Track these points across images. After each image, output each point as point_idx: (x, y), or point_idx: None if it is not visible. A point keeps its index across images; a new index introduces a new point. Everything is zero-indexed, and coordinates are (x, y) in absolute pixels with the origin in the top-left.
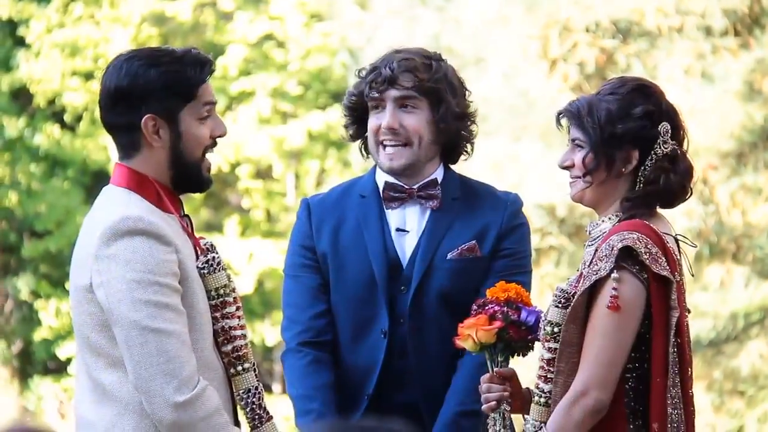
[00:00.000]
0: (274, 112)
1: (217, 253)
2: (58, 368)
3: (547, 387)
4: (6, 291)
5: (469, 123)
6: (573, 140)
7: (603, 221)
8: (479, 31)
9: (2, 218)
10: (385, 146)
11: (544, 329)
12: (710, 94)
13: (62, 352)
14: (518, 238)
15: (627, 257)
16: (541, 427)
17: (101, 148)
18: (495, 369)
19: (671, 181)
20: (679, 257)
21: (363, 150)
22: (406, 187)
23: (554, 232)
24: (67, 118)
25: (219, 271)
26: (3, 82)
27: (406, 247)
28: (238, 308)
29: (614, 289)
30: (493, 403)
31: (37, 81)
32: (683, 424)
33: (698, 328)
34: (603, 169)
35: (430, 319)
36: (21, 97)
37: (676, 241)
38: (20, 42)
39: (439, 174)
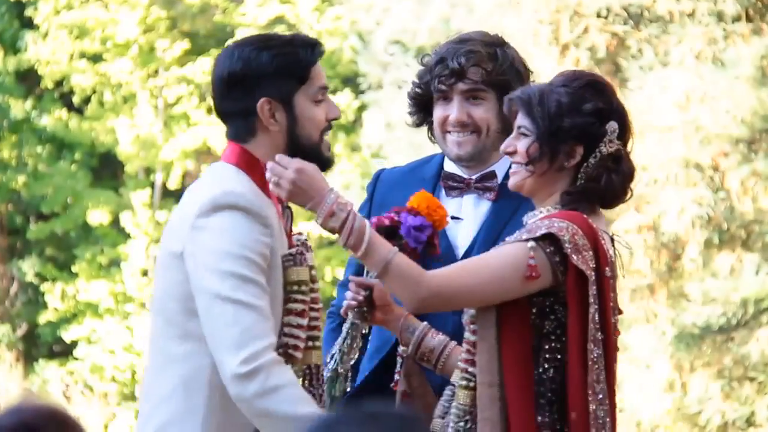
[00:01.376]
0: None
1: (309, 251)
2: (63, 351)
3: (472, 369)
4: (11, 274)
5: None
6: (519, 127)
7: (541, 212)
8: (490, 15)
9: (8, 200)
10: (452, 134)
11: (467, 312)
12: (722, 80)
13: (68, 335)
14: None
15: (547, 240)
16: (471, 411)
17: (109, 130)
18: (356, 278)
19: (612, 181)
20: (613, 257)
21: (431, 136)
22: (465, 177)
23: None
24: (74, 100)
25: (301, 265)
26: (10, 63)
27: (459, 236)
28: (311, 309)
29: (531, 258)
30: (344, 308)
31: (44, 63)
32: (609, 422)
33: (708, 314)
34: (546, 160)
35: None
36: (28, 78)
37: (612, 241)
38: (28, 23)
39: (500, 166)
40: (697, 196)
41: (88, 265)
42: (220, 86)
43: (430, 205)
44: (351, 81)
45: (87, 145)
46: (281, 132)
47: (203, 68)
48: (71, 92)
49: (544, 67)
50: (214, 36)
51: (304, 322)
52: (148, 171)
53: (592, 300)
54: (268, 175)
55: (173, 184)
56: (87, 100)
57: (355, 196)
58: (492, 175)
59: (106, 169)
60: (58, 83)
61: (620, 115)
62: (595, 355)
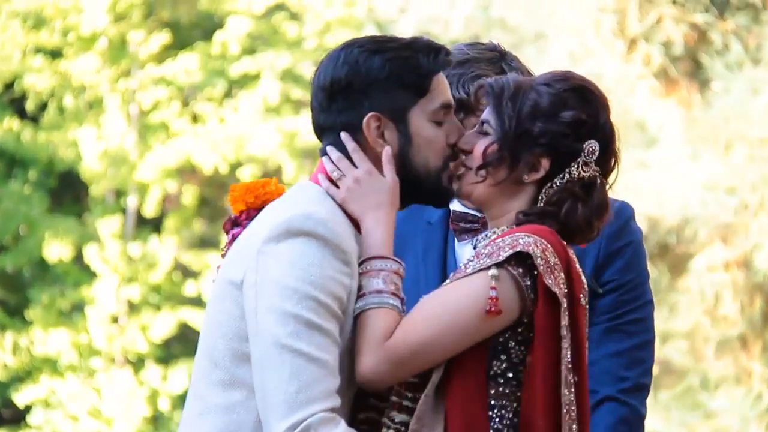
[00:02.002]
0: (284, 100)
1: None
2: (14, 417)
3: (399, 417)
4: None
5: None
6: (482, 122)
7: (494, 232)
8: (540, 1)
9: None
10: None
11: None
12: None
13: (21, 397)
14: (624, 265)
15: (513, 260)
16: None
17: (70, 143)
18: None
19: (575, 212)
20: (586, 290)
21: None
22: (479, 215)
23: None
24: (28, 106)
25: None
26: None
27: None
28: None
29: (493, 288)
30: None
31: None
32: None
33: None
34: (504, 167)
35: None
36: None
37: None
38: None
39: None
40: None
41: (45, 310)
42: (320, 97)
43: (252, 193)
44: None
45: (43, 162)
46: (393, 154)
47: (186, 66)
48: (24, 96)
49: (608, 66)
50: (199, 26)
51: None
52: (119, 194)
53: (565, 333)
54: (330, 166)
55: (150, 211)
56: (43, 106)
57: None
58: None
59: (67, 192)
60: (8, 85)
61: (605, 136)
62: (567, 401)
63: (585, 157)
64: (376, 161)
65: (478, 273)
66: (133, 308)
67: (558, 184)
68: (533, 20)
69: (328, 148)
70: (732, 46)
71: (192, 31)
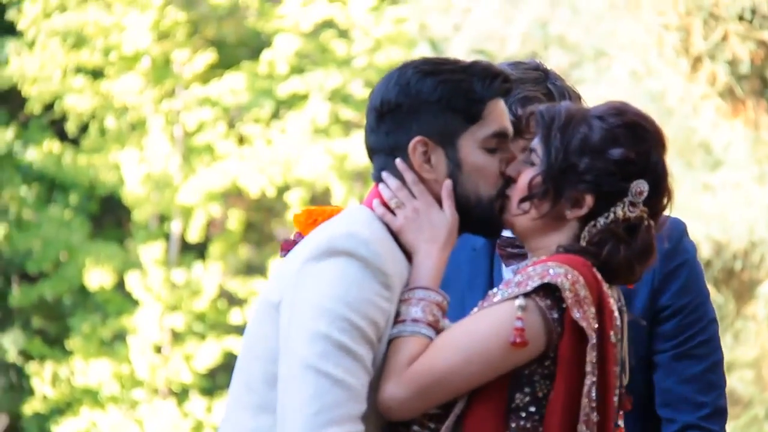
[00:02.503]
0: (333, 121)
1: None
2: None
3: None
4: None
5: None
6: (531, 150)
7: (534, 261)
8: (600, 18)
9: None
10: None
11: None
12: None
13: (60, 430)
14: (681, 287)
15: (542, 291)
16: None
17: (112, 166)
18: None
19: (617, 254)
20: (620, 324)
21: None
22: None
23: None
24: (69, 128)
25: None
26: None
27: None
28: None
29: (519, 319)
30: None
31: (30, 80)
32: None
33: None
34: (548, 200)
35: None
36: (10, 100)
37: (620, 312)
38: (9, 29)
39: None
40: None
41: (85, 339)
42: (371, 117)
43: (313, 217)
44: None
45: (84, 186)
46: (437, 181)
47: (232, 86)
48: (64, 118)
49: (671, 84)
50: (245, 45)
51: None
52: (162, 219)
53: (590, 369)
54: (387, 194)
55: (194, 236)
56: (84, 128)
57: None
58: None
59: (109, 217)
60: (48, 106)
61: (656, 175)
62: None
63: (632, 197)
64: (425, 186)
65: (505, 302)
66: (176, 337)
67: (602, 223)
68: (593, 38)
69: (384, 175)
70: None
71: (238, 50)
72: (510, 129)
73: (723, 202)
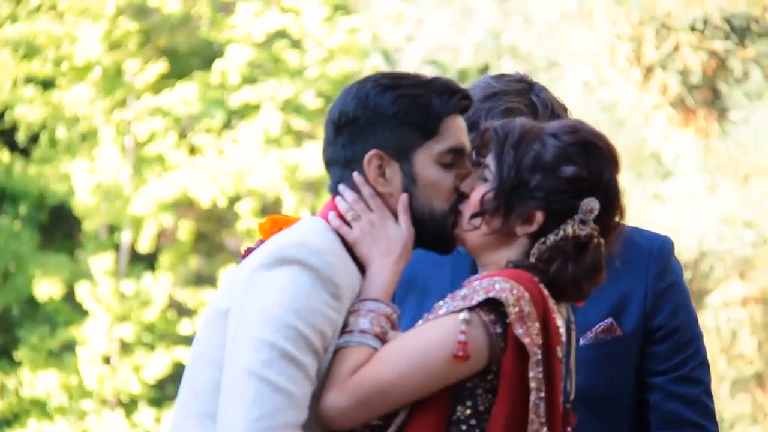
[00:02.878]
0: (285, 131)
1: None
2: None
3: None
4: None
5: None
6: (486, 167)
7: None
8: (553, 28)
9: None
10: None
11: None
12: None
13: None
14: (673, 309)
15: (486, 306)
16: None
17: (62, 176)
18: None
19: (565, 271)
20: (566, 341)
21: None
22: None
23: None
24: (19, 138)
25: None
26: None
27: None
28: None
29: (463, 333)
30: None
31: None
32: None
33: None
34: (499, 216)
35: None
36: None
37: (568, 329)
38: None
39: None
40: None
41: (34, 350)
42: (329, 129)
43: (278, 226)
44: None
45: (34, 196)
46: (394, 194)
47: (184, 96)
48: (14, 128)
49: (623, 94)
50: (197, 55)
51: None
52: (113, 229)
53: (535, 385)
54: (344, 206)
55: (144, 247)
56: (35, 138)
57: None
58: None
59: (59, 227)
60: None
61: (607, 194)
62: None
63: (582, 215)
64: (381, 199)
65: (449, 315)
66: (125, 348)
67: (551, 240)
68: (546, 48)
69: (341, 188)
70: (752, 75)
71: (190, 60)
72: (467, 145)
73: (673, 212)
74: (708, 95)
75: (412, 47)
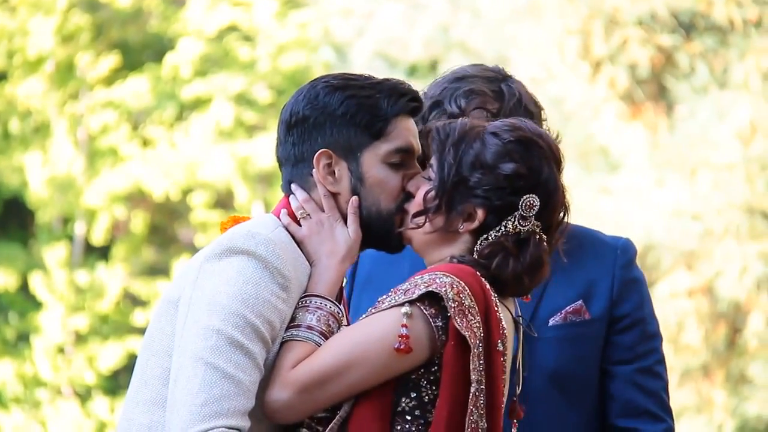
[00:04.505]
0: (237, 124)
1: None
2: None
3: None
4: None
5: None
6: (429, 166)
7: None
8: (502, 23)
9: None
10: None
11: None
12: None
13: None
14: (639, 300)
15: (427, 299)
16: None
17: (16, 169)
18: None
19: (506, 267)
20: (505, 330)
21: None
22: None
23: None
24: None
25: None
26: None
27: None
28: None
29: (404, 326)
30: None
31: None
32: None
33: None
34: (442, 215)
35: (540, 409)
36: None
37: (517, 323)
38: None
39: None
40: (764, 252)
41: None
42: (280, 129)
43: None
44: None
45: None
46: (342, 193)
47: (136, 89)
48: None
49: (572, 88)
50: (149, 48)
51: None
52: (66, 221)
53: (475, 377)
54: (295, 205)
55: (98, 238)
56: None
57: None
58: None
59: (13, 219)
60: None
61: (547, 191)
62: None
63: (522, 211)
64: (327, 194)
65: (391, 309)
66: (80, 338)
67: (493, 236)
68: (495, 42)
69: (293, 187)
70: (698, 70)
71: (142, 53)
72: (415, 146)
73: (621, 205)
74: (655, 90)
75: (361, 41)
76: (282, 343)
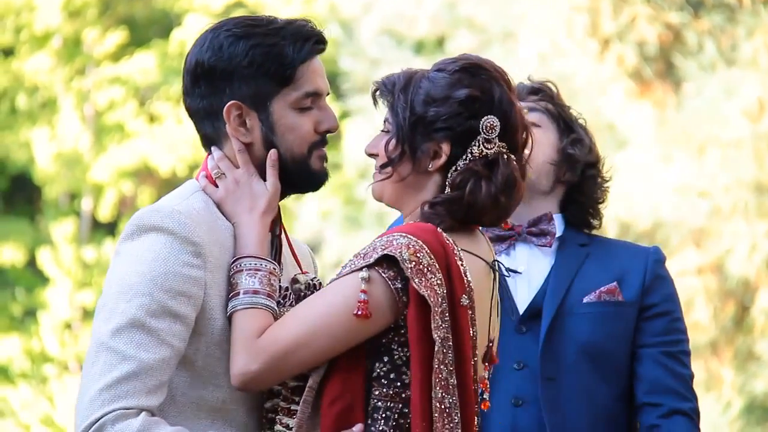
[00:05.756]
0: None
1: (292, 293)
2: None
3: (292, 422)
4: None
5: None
6: (384, 121)
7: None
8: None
9: None
10: None
11: None
12: None
13: None
14: (669, 294)
15: (384, 263)
16: None
17: (23, 144)
18: None
19: (479, 190)
20: (471, 281)
21: None
22: (515, 224)
23: None
24: None
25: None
26: None
27: (518, 292)
28: None
29: (363, 291)
30: None
31: None
32: None
33: None
34: (407, 161)
35: (571, 380)
36: None
37: (493, 268)
38: None
39: (551, 205)
40: None
41: None
42: (186, 79)
43: None
44: (330, 82)
45: None
46: (255, 143)
47: (143, 65)
48: None
49: (580, 66)
50: (156, 24)
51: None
52: (73, 196)
53: (441, 334)
54: (211, 165)
55: (105, 214)
56: None
57: (336, 228)
58: (547, 218)
59: (20, 194)
60: None
61: (503, 110)
62: (447, 404)
63: (485, 133)
64: (241, 149)
65: (350, 275)
66: (87, 314)
67: (461, 166)
68: (502, 19)
69: (213, 148)
70: (707, 47)
71: (149, 29)
72: (323, 87)
73: (628, 183)
74: (664, 67)
75: (368, 17)
76: (232, 314)
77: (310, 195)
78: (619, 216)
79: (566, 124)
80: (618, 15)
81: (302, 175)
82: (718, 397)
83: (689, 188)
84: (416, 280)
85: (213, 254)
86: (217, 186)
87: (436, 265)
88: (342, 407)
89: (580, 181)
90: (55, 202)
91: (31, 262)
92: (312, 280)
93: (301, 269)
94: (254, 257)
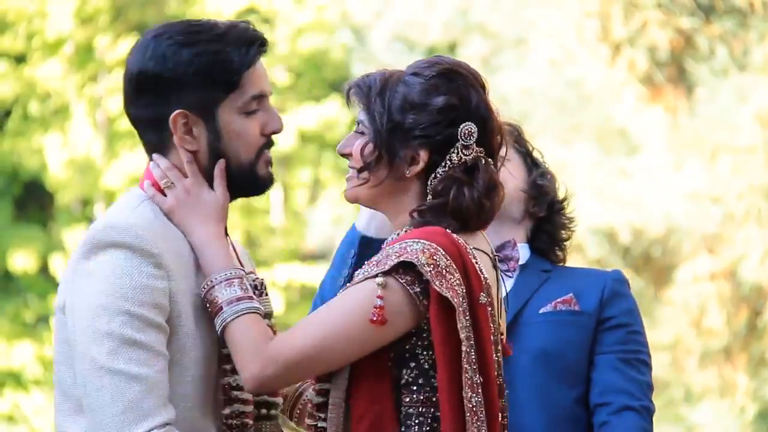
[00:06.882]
0: None
1: (260, 295)
2: None
3: None
4: None
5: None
6: (358, 123)
7: (398, 234)
8: (520, 5)
9: None
10: None
11: None
12: None
13: None
14: (628, 309)
15: (401, 268)
16: None
17: (35, 151)
18: None
19: (462, 196)
20: (488, 279)
21: None
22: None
23: (616, 263)
24: None
25: None
26: None
27: None
28: None
29: (379, 297)
30: None
31: None
32: None
33: None
34: (383, 166)
35: (526, 383)
36: None
37: (494, 264)
38: None
39: (522, 246)
40: None
41: (9, 322)
42: (128, 87)
43: None
44: (341, 87)
45: (7, 170)
46: (201, 151)
47: None
48: None
49: (592, 71)
50: None
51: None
52: (86, 203)
53: (464, 334)
54: (158, 173)
55: None
56: (7, 113)
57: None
58: (512, 244)
59: (32, 201)
60: None
61: (481, 116)
62: (474, 402)
63: (463, 140)
64: (189, 159)
65: (365, 281)
66: None
67: (441, 173)
68: (514, 25)
69: (155, 156)
70: (718, 52)
71: None
72: (268, 88)
73: (640, 188)
74: (675, 73)
75: (380, 24)
76: (225, 327)
77: (322, 202)
78: (631, 222)
79: (533, 161)
80: (629, 20)
81: (248, 181)
82: (732, 402)
83: (702, 194)
84: (437, 282)
85: (172, 262)
86: (165, 195)
87: (453, 265)
88: (371, 421)
89: (549, 214)
90: (67, 208)
91: (44, 269)
92: (254, 280)
93: (244, 270)
94: (224, 268)
